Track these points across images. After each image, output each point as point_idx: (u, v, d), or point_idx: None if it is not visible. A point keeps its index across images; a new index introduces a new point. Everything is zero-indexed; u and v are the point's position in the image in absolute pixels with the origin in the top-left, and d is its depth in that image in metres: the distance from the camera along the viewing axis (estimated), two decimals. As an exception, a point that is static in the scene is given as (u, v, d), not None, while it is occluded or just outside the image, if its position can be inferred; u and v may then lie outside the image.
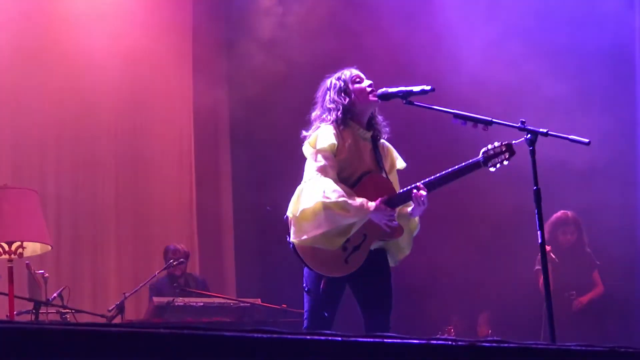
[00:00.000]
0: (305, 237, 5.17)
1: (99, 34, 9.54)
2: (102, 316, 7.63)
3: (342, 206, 5.13)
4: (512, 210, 8.63)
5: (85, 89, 9.60)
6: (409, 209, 5.38)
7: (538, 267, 8.09)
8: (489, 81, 8.79)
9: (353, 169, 5.36)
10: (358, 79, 5.48)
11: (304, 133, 5.49)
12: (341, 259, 5.22)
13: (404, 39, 9.08)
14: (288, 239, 5.27)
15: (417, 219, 5.46)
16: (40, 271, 7.31)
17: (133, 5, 9.88)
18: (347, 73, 5.50)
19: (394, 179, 5.54)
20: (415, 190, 5.27)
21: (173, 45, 10.12)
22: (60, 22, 9.54)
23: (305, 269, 5.32)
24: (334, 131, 5.34)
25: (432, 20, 9.36)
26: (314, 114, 5.53)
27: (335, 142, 5.29)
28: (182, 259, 8.81)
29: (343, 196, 5.15)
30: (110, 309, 7.78)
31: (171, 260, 8.65)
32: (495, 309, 9.35)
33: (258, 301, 8.14)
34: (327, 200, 5.10)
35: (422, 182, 5.31)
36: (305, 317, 5.33)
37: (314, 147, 5.30)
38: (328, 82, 5.53)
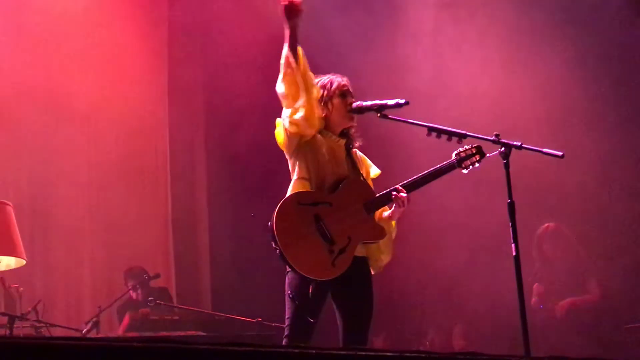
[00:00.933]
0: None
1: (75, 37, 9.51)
2: (77, 330, 7.59)
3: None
4: (491, 223, 8.69)
5: (60, 96, 9.54)
6: (388, 212, 5.47)
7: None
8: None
9: (332, 175, 5.41)
10: (344, 93, 5.51)
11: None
12: (328, 262, 5.25)
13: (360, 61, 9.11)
14: (273, 245, 5.28)
15: (394, 223, 5.52)
16: (15, 285, 7.27)
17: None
18: (336, 83, 5.53)
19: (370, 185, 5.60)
20: (394, 193, 5.36)
21: (148, 64, 10.12)
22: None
23: (288, 276, 5.33)
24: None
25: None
26: None
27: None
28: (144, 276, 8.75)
29: (328, 200, 5.29)
30: (86, 322, 7.74)
31: (145, 276, 8.60)
32: (471, 321, 9.37)
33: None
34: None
35: (400, 184, 5.42)
36: (287, 324, 5.33)
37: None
38: None
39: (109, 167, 9.86)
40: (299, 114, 5.30)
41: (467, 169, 5.46)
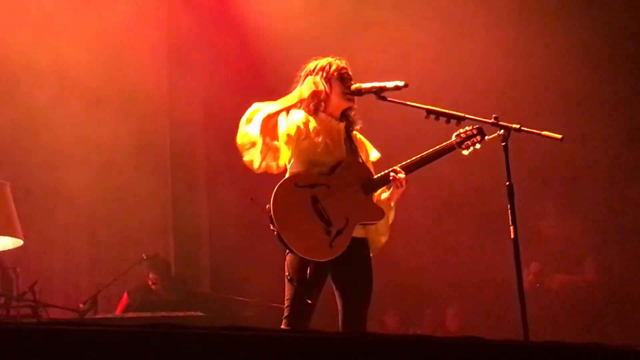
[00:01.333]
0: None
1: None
2: (74, 311, 7.59)
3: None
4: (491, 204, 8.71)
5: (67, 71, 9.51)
6: (386, 194, 5.46)
7: None
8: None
9: (330, 156, 5.40)
10: (343, 75, 5.49)
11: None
12: (326, 243, 5.25)
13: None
14: (271, 227, 5.28)
15: (392, 204, 5.52)
16: (12, 266, 7.27)
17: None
18: (335, 65, 5.49)
19: (370, 168, 5.59)
20: (393, 174, 5.35)
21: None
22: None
23: (287, 257, 5.34)
24: (306, 115, 5.42)
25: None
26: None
27: (302, 127, 5.34)
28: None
29: (326, 182, 5.30)
30: (84, 302, 7.74)
31: (143, 255, 8.58)
32: (466, 302, 9.40)
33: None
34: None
35: (399, 165, 5.42)
36: (287, 305, 5.34)
37: (286, 120, 5.38)
38: (312, 65, 5.52)
39: (109, 146, 9.84)
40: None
41: (467, 149, 5.44)
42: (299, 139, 5.34)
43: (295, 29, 9.10)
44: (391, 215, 5.55)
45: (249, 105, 5.41)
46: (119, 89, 9.78)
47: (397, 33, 9.33)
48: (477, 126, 5.41)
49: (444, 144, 5.46)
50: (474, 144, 5.43)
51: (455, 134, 5.44)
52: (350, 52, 5.77)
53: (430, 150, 5.45)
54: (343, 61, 5.55)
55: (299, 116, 5.40)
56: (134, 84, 9.78)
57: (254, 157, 5.33)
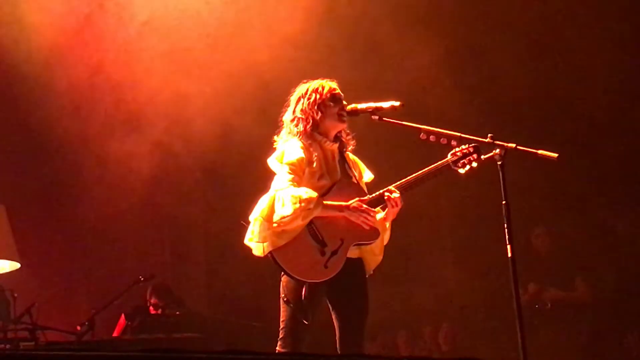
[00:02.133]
0: (282, 242, 5.22)
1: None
2: (71, 333, 7.56)
3: (322, 207, 5.24)
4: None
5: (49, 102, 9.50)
6: (382, 214, 5.46)
7: None
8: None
9: (325, 179, 5.42)
10: (335, 97, 5.49)
11: (275, 138, 5.56)
12: (321, 264, 5.26)
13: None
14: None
15: (388, 225, 5.52)
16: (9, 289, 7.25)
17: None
18: (327, 87, 5.52)
19: (363, 188, 5.59)
20: (387, 194, 5.36)
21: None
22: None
23: (283, 279, 5.35)
24: (301, 144, 5.40)
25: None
26: (285, 117, 5.56)
27: (303, 155, 5.34)
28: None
29: (320, 199, 5.24)
30: (81, 324, 7.71)
31: (139, 277, 8.55)
32: (460, 320, 9.43)
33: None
34: (305, 207, 5.17)
35: (393, 185, 5.42)
36: (282, 326, 5.34)
37: (282, 162, 5.34)
38: (304, 89, 5.55)
39: (104, 167, 9.82)
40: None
41: (463, 168, 5.40)
42: (302, 170, 5.35)
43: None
44: (386, 236, 5.56)
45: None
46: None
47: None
48: (473, 144, 5.38)
49: (439, 162, 5.44)
50: (470, 163, 5.39)
51: (451, 152, 5.41)
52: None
53: (426, 169, 5.44)
54: (334, 82, 5.58)
55: (296, 148, 5.39)
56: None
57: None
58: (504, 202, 4.99)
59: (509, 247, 4.95)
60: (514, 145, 5.07)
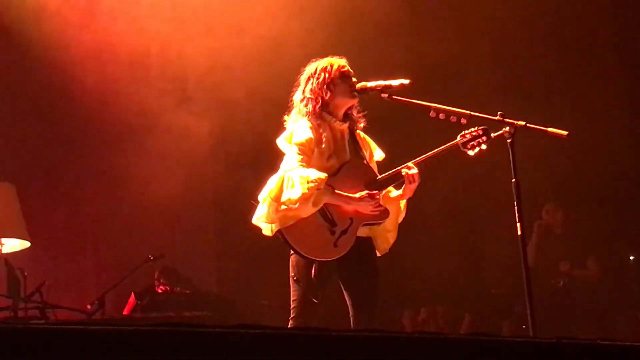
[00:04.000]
0: (290, 222, 5.23)
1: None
2: (82, 312, 7.59)
3: (331, 194, 5.22)
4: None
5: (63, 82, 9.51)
6: (397, 192, 5.46)
7: None
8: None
9: (334, 159, 5.41)
10: (345, 74, 5.48)
11: (285, 118, 5.55)
12: (330, 243, 5.27)
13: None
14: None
15: (403, 204, 5.51)
16: (19, 268, 7.27)
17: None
18: (336, 65, 5.49)
19: (373, 168, 5.58)
20: (405, 170, 5.37)
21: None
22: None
23: (292, 258, 5.36)
24: (310, 124, 5.38)
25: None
26: (295, 96, 5.54)
27: (312, 135, 5.33)
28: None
29: (329, 181, 5.23)
30: (90, 303, 7.73)
31: (149, 256, 8.57)
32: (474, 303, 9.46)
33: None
34: (314, 188, 5.16)
35: (411, 161, 5.40)
36: (293, 305, 5.36)
37: (291, 142, 5.34)
38: (314, 68, 5.52)
39: (118, 151, 9.84)
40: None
41: (473, 150, 5.40)
42: (311, 150, 5.35)
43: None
44: (401, 215, 5.55)
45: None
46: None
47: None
48: (482, 127, 5.37)
49: (448, 144, 5.43)
50: (479, 145, 5.38)
51: (460, 134, 5.41)
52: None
53: (435, 150, 5.43)
54: (343, 59, 5.55)
55: (305, 128, 5.38)
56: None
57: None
58: (513, 179, 4.99)
59: (518, 225, 4.95)
60: (523, 122, 5.05)
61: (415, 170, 5.36)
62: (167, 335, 2.64)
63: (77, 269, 9.70)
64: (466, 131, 5.39)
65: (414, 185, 5.40)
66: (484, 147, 5.39)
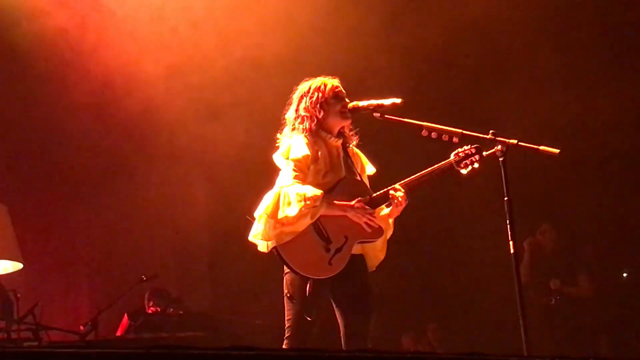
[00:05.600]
0: (287, 239, 5.23)
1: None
2: (75, 333, 7.56)
3: (327, 205, 5.25)
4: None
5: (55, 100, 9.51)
6: (386, 210, 5.47)
7: None
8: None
9: (329, 176, 5.42)
10: (337, 95, 5.49)
11: (278, 136, 5.54)
12: (325, 260, 5.28)
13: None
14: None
15: (391, 221, 5.53)
16: (12, 290, 7.25)
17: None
18: (329, 85, 5.51)
19: (366, 183, 5.59)
20: (392, 192, 5.36)
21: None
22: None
23: (286, 276, 5.36)
24: (306, 141, 5.39)
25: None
26: (287, 115, 5.55)
27: (309, 152, 5.34)
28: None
29: (325, 198, 5.24)
30: (83, 324, 7.71)
31: (142, 276, 8.55)
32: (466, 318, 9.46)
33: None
34: (311, 205, 5.18)
35: (399, 183, 5.41)
36: (288, 325, 5.35)
37: (288, 158, 5.35)
38: (307, 87, 5.54)
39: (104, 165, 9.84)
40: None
41: (466, 169, 5.41)
42: (307, 167, 5.36)
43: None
44: (389, 232, 5.56)
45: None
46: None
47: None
48: (475, 145, 5.37)
49: (442, 163, 5.43)
50: (472, 163, 5.39)
51: (454, 152, 5.41)
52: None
53: (428, 169, 5.44)
54: (336, 80, 5.57)
55: (302, 144, 5.39)
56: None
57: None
58: (506, 198, 4.99)
59: (511, 243, 4.95)
60: (515, 141, 5.06)
61: (401, 193, 5.37)
62: (161, 357, 2.64)
63: (70, 290, 9.68)
64: (460, 150, 5.39)
65: (400, 208, 5.41)
66: (476, 165, 5.39)
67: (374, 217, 5.36)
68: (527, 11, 9.20)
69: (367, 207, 5.35)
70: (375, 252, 5.53)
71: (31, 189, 9.57)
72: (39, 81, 9.29)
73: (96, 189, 9.83)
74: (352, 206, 5.32)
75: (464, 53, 9.38)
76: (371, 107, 5.43)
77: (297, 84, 5.60)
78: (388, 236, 5.57)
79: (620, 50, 9.19)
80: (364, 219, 5.32)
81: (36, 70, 9.17)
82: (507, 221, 4.96)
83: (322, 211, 5.23)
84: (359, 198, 5.36)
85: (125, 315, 8.34)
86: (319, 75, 5.57)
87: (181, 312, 8.38)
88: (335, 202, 5.30)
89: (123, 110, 9.38)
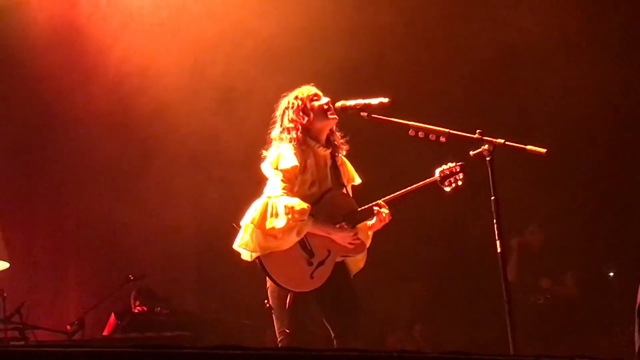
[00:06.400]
0: (269, 251, 5.22)
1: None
2: (61, 333, 7.55)
3: (312, 225, 5.24)
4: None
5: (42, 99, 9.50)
6: (369, 223, 5.47)
7: None
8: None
9: (315, 187, 5.42)
10: (316, 97, 5.49)
11: (264, 152, 5.52)
12: (307, 274, 5.28)
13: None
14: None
15: (370, 233, 5.55)
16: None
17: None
18: (305, 92, 5.52)
19: (350, 193, 5.59)
20: (376, 208, 5.37)
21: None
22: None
23: (269, 285, 5.34)
24: (294, 151, 5.37)
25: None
26: (272, 133, 5.54)
27: (297, 163, 5.32)
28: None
29: (311, 215, 5.23)
30: (70, 323, 7.70)
31: (129, 276, 8.54)
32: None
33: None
34: (298, 219, 5.17)
35: (382, 199, 5.42)
36: (280, 339, 5.36)
37: (276, 168, 5.33)
38: (286, 101, 5.54)
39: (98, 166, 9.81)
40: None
41: (449, 187, 5.45)
42: (295, 177, 5.35)
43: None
44: (368, 242, 5.57)
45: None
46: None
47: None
48: (460, 163, 5.41)
49: (426, 180, 5.47)
50: (456, 182, 5.44)
51: (439, 170, 5.45)
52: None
53: (413, 186, 5.46)
54: (312, 86, 5.58)
55: (290, 154, 5.36)
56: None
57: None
58: (492, 197, 5.00)
59: (498, 242, 4.96)
60: (502, 140, 5.07)
61: (386, 210, 5.39)
62: (147, 357, 2.64)
63: (57, 290, 9.66)
64: (445, 167, 5.44)
65: (383, 223, 5.45)
66: (460, 183, 5.44)
67: (357, 235, 5.37)
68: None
69: (350, 230, 5.36)
70: (355, 261, 5.55)
71: (17, 188, 9.54)
72: (35, 80, 9.28)
73: (83, 189, 9.80)
74: (336, 229, 5.33)
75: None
76: (358, 107, 5.43)
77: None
78: (367, 244, 5.57)
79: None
80: (348, 241, 5.34)
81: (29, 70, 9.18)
82: (494, 220, 4.98)
83: (308, 229, 5.23)
84: (343, 223, 5.36)
85: (112, 314, 8.32)
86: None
87: (167, 312, 8.37)
88: (320, 223, 5.29)
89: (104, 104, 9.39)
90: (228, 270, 9.29)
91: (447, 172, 5.42)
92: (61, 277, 9.74)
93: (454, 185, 5.43)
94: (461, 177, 5.42)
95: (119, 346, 2.58)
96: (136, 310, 8.54)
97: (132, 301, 8.66)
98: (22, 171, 9.61)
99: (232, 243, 5.37)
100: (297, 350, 2.88)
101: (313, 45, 8.77)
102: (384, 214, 5.38)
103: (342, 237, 5.34)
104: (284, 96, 5.58)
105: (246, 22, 9.06)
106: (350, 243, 5.35)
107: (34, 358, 2.58)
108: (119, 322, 8.18)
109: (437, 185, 5.45)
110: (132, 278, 8.52)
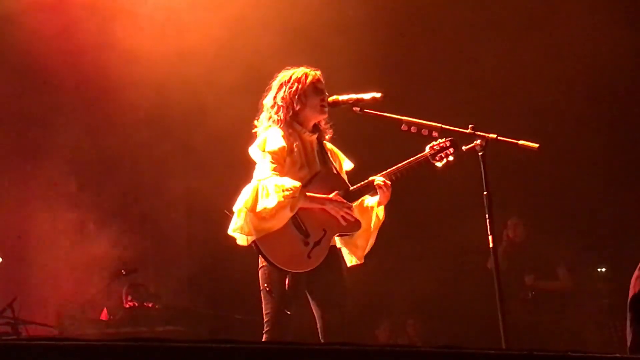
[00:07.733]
0: (264, 234, 5.21)
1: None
2: (53, 327, 7.55)
3: (304, 198, 5.23)
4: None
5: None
6: (373, 200, 5.47)
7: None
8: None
9: (305, 170, 5.40)
10: (317, 89, 5.47)
11: (255, 123, 5.52)
12: (304, 254, 5.27)
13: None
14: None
15: (382, 209, 5.52)
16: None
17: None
18: (310, 77, 5.48)
19: (344, 178, 5.59)
20: (378, 181, 5.39)
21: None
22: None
23: (263, 270, 5.32)
24: (282, 132, 5.37)
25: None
26: (264, 102, 5.52)
27: (285, 144, 5.32)
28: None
29: (303, 189, 5.22)
30: (61, 318, 7.69)
31: (122, 270, 8.54)
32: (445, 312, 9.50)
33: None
34: (290, 196, 5.15)
35: (379, 174, 5.42)
36: (266, 319, 5.32)
37: (264, 150, 5.33)
38: (288, 76, 5.50)
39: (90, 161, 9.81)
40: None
41: (440, 162, 5.44)
42: (284, 159, 5.34)
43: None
44: (381, 216, 5.53)
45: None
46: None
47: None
48: (449, 138, 5.39)
49: (418, 156, 5.45)
50: (447, 157, 5.42)
51: (429, 145, 5.43)
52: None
53: (404, 162, 5.45)
54: (318, 72, 5.54)
55: (277, 136, 5.36)
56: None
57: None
58: (485, 192, 5.00)
59: (490, 237, 4.97)
60: (494, 135, 5.08)
61: (382, 179, 5.39)
62: (139, 350, 2.64)
63: (49, 285, 9.64)
64: (435, 142, 5.42)
65: (388, 193, 5.42)
66: (451, 159, 5.42)
67: (352, 210, 5.37)
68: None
69: (344, 200, 5.36)
70: (355, 248, 5.51)
71: (10, 182, 9.52)
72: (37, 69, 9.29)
73: (76, 182, 9.79)
74: (330, 199, 5.32)
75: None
76: (351, 101, 5.43)
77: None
78: (381, 221, 5.53)
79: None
80: (342, 212, 5.32)
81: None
82: (487, 215, 4.98)
83: (301, 204, 5.23)
84: (337, 191, 5.37)
85: (104, 309, 8.32)
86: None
87: (159, 307, 8.37)
88: (312, 196, 5.29)
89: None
90: (220, 264, 9.34)
91: (437, 148, 5.41)
92: (53, 272, 9.73)
93: (445, 160, 5.42)
94: (452, 151, 5.39)
95: (110, 340, 2.57)
96: (128, 305, 8.54)
97: (123, 296, 8.66)
98: (13, 165, 9.59)
99: (224, 234, 5.35)
100: (290, 344, 2.88)
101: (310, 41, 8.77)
102: (382, 182, 5.36)
103: (336, 207, 5.32)
104: (288, 69, 5.53)
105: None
106: (343, 217, 5.34)
107: (27, 352, 2.58)
108: (111, 317, 8.18)
109: (428, 162, 5.43)
110: (124, 272, 8.53)
